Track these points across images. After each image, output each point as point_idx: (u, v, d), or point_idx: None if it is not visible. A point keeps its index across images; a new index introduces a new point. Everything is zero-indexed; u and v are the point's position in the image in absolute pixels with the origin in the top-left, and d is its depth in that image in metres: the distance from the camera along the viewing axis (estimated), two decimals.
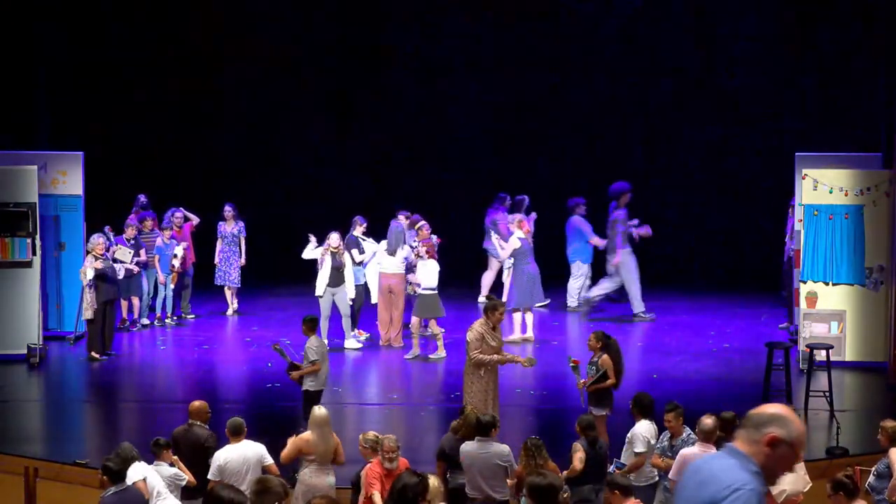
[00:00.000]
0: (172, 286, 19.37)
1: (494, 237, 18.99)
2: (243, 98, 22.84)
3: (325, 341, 15.52)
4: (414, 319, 17.60)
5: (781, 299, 19.77)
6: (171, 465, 11.05)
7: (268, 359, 17.07)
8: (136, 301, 18.97)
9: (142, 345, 18.66)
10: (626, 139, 22.67)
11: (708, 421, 10.77)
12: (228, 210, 20.14)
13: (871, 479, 11.04)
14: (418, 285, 17.72)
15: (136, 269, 18.41)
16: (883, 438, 11.19)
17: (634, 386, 13.77)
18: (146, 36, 22.07)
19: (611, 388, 13.03)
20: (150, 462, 10.93)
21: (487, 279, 20.71)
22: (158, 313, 19.39)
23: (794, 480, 10.66)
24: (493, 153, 22.88)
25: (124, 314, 18.88)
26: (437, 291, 17.68)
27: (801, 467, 10.78)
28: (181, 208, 19.91)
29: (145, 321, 19.22)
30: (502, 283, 20.02)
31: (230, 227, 20.07)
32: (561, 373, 15.77)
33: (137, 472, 10.55)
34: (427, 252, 17.66)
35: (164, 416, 15.25)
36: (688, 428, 11.04)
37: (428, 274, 17.61)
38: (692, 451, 10.67)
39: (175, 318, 19.62)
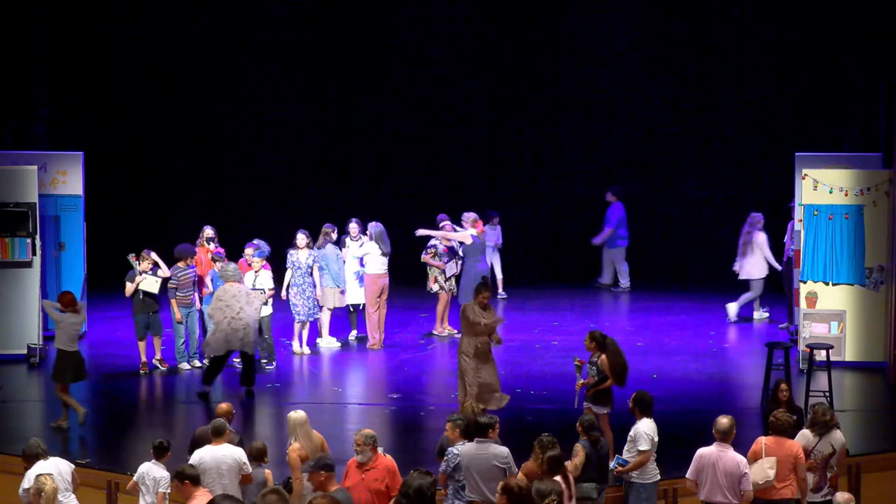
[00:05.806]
0: None
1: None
2: (245, 97, 22.82)
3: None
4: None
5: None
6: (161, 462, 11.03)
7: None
8: (157, 341, 16.67)
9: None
10: (624, 139, 22.62)
11: (724, 421, 10.85)
12: (301, 237, 17.39)
13: None
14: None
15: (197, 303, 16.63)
16: None
17: (635, 386, 13.74)
18: (147, 35, 22.06)
19: (610, 387, 13.04)
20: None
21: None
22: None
23: (752, 471, 10.75)
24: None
25: (143, 356, 16.61)
26: (76, 349, 14.51)
27: (768, 461, 10.78)
28: (253, 243, 17.05)
29: (185, 366, 16.67)
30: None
31: (303, 258, 17.35)
32: (561, 372, 15.77)
33: (46, 467, 10.64)
34: (68, 306, 14.48)
35: (165, 416, 15.29)
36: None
37: (65, 329, 14.40)
38: (709, 450, 10.78)
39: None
